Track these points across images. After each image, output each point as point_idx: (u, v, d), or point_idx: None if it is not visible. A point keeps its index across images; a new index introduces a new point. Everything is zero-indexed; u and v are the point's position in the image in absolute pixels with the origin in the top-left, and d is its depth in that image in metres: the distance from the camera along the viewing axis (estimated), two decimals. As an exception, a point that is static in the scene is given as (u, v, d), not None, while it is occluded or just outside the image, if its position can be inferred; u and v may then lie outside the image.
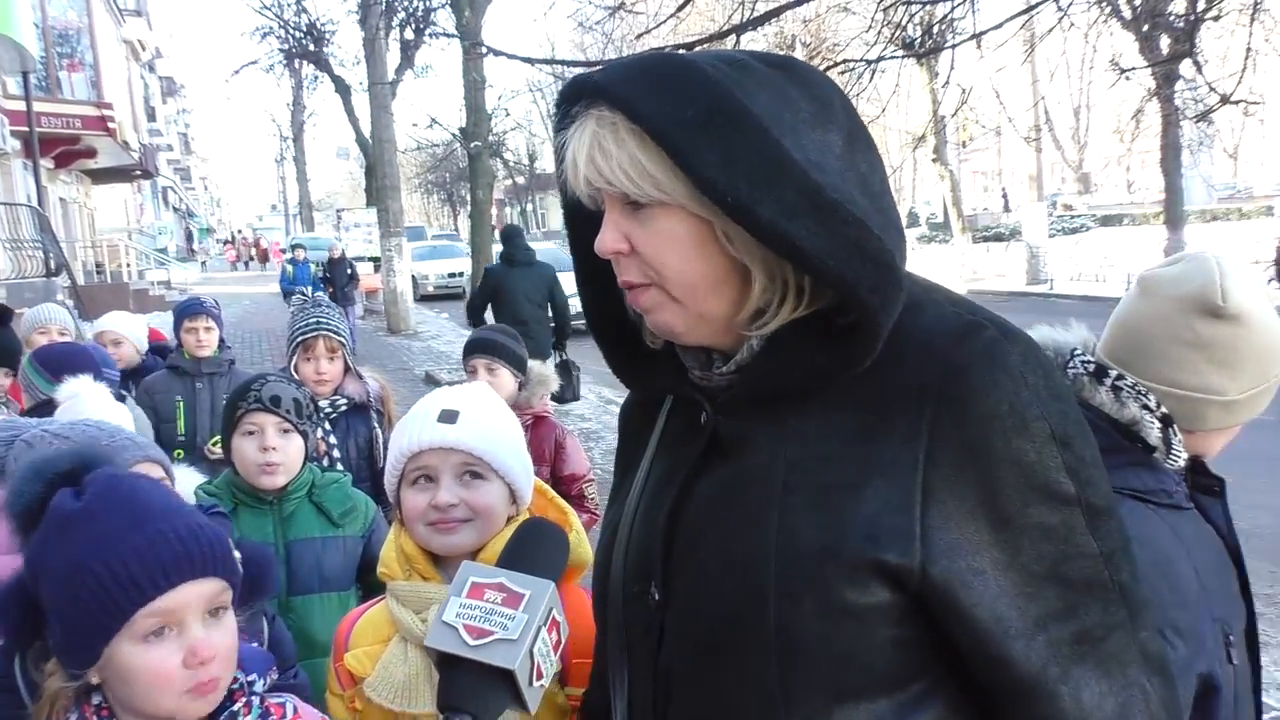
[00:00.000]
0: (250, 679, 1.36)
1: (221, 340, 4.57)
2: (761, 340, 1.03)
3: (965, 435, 0.94)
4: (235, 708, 1.31)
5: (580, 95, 1.02)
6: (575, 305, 10.11)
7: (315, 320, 3.49)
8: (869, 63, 6.62)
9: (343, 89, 26.24)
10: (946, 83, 7.30)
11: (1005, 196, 41.75)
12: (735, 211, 0.95)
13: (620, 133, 0.99)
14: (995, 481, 0.94)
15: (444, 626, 1.00)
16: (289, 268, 17.61)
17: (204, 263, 52.21)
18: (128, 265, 25.87)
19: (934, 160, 22.64)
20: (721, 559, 1.01)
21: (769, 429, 1.03)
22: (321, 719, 1.47)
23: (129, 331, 4.86)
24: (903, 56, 8.09)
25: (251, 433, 2.53)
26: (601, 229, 1.05)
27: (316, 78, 30.52)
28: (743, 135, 0.96)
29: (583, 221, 1.11)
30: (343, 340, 3.53)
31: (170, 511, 1.29)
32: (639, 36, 9.80)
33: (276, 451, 2.51)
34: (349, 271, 16.41)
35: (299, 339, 3.48)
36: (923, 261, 22.84)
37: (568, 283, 8.72)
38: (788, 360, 1.01)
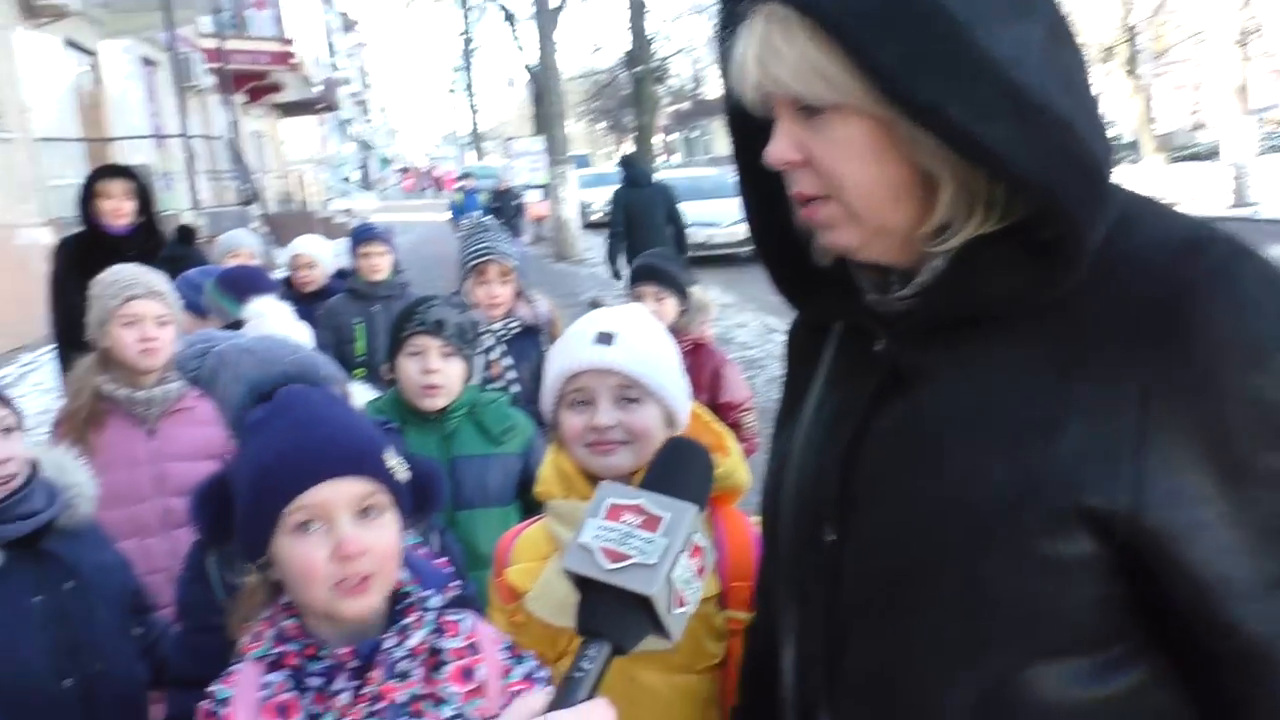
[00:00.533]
0: (426, 594, 1.38)
1: (396, 265, 4.74)
2: (947, 259, 0.93)
3: (1190, 369, 0.83)
4: (407, 621, 1.34)
5: None
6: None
7: (486, 245, 3.52)
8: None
9: (509, 17, 26.54)
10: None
11: (1197, 112, 38.32)
12: (920, 113, 0.86)
13: (792, 29, 0.90)
14: (1225, 422, 0.83)
15: (580, 549, 0.96)
16: (459, 196, 17.82)
17: (384, 191, 54.42)
18: (314, 194, 27.29)
19: (1128, 72, 20.97)
20: (903, 502, 0.94)
21: (954, 360, 0.94)
22: (502, 637, 1.46)
23: (320, 255, 5.13)
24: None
25: (415, 354, 2.58)
26: (772, 138, 0.96)
27: (484, 7, 31.00)
28: (929, 27, 0.85)
29: (748, 131, 1.04)
30: (515, 264, 3.56)
31: (331, 417, 1.36)
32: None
33: (438, 374, 2.57)
34: (515, 203, 16.31)
35: (471, 263, 3.52)
36: (1110, 183, 21.28)
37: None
38: (977, 281, 0.91)
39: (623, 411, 1.62)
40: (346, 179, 41.14)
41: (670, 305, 3.68)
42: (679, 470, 1.04)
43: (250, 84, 24.48)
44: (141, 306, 2.78)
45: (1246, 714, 0.88)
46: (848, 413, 1.02)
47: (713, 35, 1.04)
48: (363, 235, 4.73)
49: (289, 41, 26.05)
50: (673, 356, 1.71)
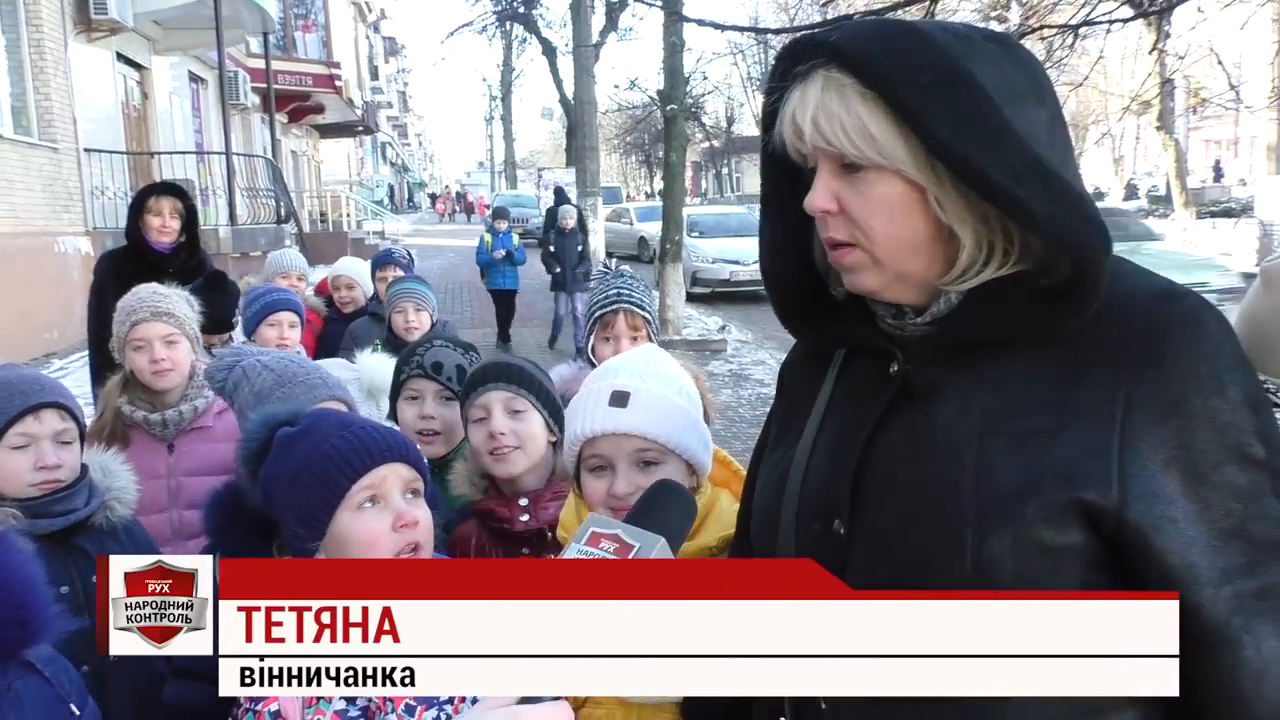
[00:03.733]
0: None
1: None
2: (960, 294, 1.08)
3: (1165, 391, 0.99)
4: None
5: (807, 55, 1.07)
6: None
7: (615, 291, 2.92)
8: (1091, 25, 6.26)
9: (549, 51, 27.05)
10: (1155, 46, 6.80)
11: (1218, 169, 38.05)
12: (967, 174, 1.00)
13: (848, 95, 1.04)
14: (1191, 437, 0.99)
15: None
16: (487, 238, 13.11)
17: (418, 214, 55.04)
18: (348, 215, 27.66)
19: (1157, 128, 21.02)
20: (916, 497, 1.06)
21: (963, 378, 1.08)
22: None
23: (360, 276, 5.28)
24: (1131, 19, 7.58)
25: (413, 399, 2.50)
26: (812, 188, 1.10)
27: (525, 39, 31.53)
28: (972, 103, 1.01)
29: (779, 173, 1.17)
30: (648, 317, 2.92)
31: (368, 421, 1.61)
32: (826, 3, 9.57)
33: (435, 420, 2.47)
34: (580, 248, 12.70)
35: (597, 313, 2.90)
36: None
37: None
38: (994, 313, 1.06)
39: (642, 475, 1.60)
40: (379, 201, 41.65)
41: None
42: (657, 508, 1.15)
43: (293, 104, 24.99)
44: (147, 330, 2.83)
45: (1205, 687, 1.00)
46: (860, 423, 1.14)
47: (749, 81, 1.17)
48: (381, 260, 4.87)
49: (336, 65, 26.58)
50: (692, 404, 1.68)
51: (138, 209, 4.69)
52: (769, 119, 1.15)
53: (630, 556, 1.05)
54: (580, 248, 12.88)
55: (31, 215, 11.31)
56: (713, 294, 17.29)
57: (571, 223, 12.91)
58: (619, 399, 1.61)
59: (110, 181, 13.41)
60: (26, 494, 2.04)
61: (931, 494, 1.05)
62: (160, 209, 4.66)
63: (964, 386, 1.08)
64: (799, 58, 1.08)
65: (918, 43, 1.04)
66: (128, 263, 4.61)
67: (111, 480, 2.21)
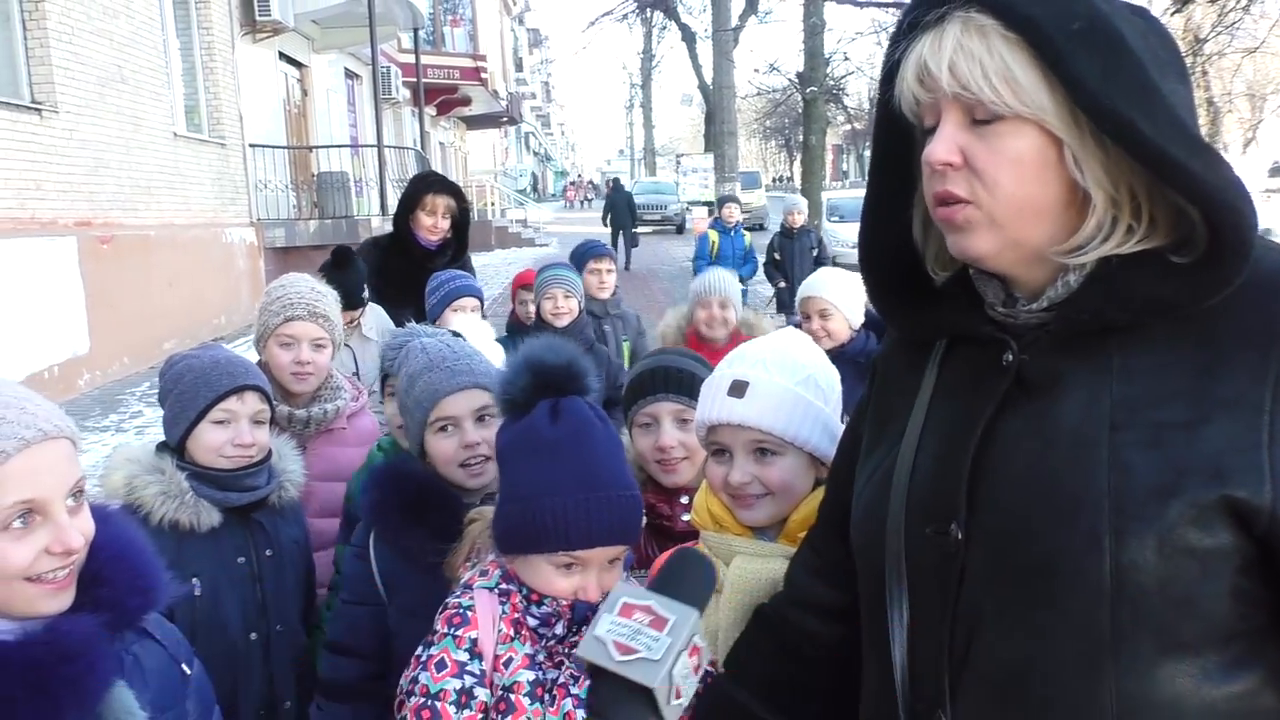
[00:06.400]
0: None
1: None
2: (1080, 276, 1.01)
3: None
4: None
5: (941, 0, 1.02)
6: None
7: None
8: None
9: (688, 36, 27.01)
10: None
11: None
12: (1116, 126, 0.94)
13: (990, 37, 0.98)
14: None
15: (595, 640, 1.08)
16: (713, 236, 10.24)
17: (561, 204, 56.03)
18: (492, 204, 28.40)
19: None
20: (1044, 498, 0.98)
21: (1086, 366, 1.00)
22: None
23: (842, 303, 3.95)
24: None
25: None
26: (934, 139, 1.03)
27: (665, 26, 31.57)
28: (1121, 56, 0.95)
29: (891, 136, 1.12)
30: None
31: (613, 478, 1.50)
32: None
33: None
34: (814, 249, 9.84)
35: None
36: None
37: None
38: (1119, 294, 0.98)
39: (758, 466, 1.58)
40: (523, 190, 42.55)
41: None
42: (684, 577, 1.18)
43: (441, 97, 25.79)
44: (299, 328, 2.76)
45: None
46: (972, 419, 1.05)
47: (890, 37, 1.10)
48: (593, 251, 4.66)
49: (482, 58, 27.27)
50: (819, 394, 1.62)
51: (412, 204, 4.44)
52: (888, 76, 1.09)
53: (665, 631, 1.08)
54: (816, 251, 9.85)
55: (202, 207, 12.06)
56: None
57: (800, 219, 9.94)
58: (737, 389, 1.59)
59: (272, 175, 14.16)
60: (218, 464, 2.19)
61: (1061, 494, 0.97)
62: (435, 207, 4.40)
63: (1088, 376, 0.99)
64: (932, 4, 1.02)
65: None
66: (394, 257, 4.40)
67: (285, 463, 2.33)
